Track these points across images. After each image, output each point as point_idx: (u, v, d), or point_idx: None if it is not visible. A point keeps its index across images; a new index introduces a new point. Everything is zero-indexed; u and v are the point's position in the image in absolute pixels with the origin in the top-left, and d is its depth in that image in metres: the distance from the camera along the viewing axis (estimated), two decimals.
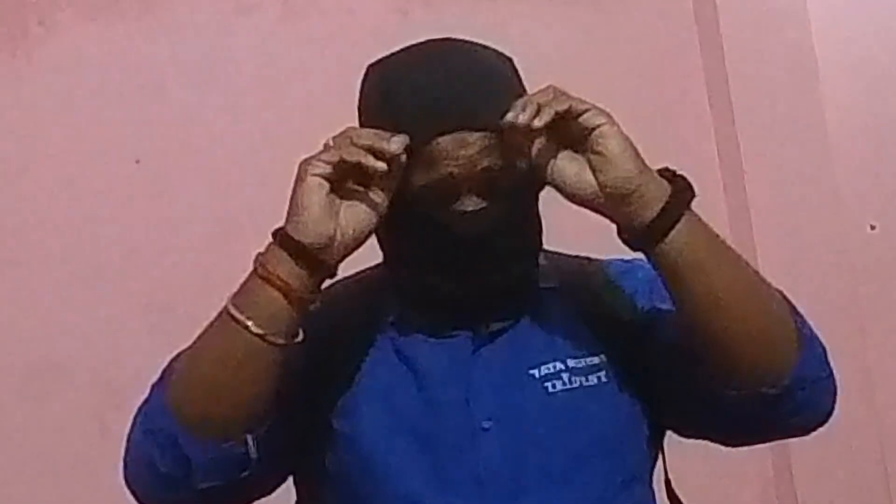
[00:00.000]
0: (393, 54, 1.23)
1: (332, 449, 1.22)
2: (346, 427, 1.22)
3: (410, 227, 1.18)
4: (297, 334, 1.14)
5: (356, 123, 1.22)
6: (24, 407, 2.27)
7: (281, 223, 1.15)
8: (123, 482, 1.20)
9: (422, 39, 1.23)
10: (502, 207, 1.17)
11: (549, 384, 1.21)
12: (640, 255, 1.20)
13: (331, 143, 1.14)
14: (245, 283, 1.14)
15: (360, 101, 1.23)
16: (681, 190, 1.14)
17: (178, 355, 1.19)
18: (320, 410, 1.22)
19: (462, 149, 1.15)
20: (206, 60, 2.40)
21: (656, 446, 1.30)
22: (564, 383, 1.22)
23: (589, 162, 1.13)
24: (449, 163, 1.15)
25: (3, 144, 2.33)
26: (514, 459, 1.19)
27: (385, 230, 1.20)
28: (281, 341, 1.12)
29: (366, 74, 1.24)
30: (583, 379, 1.22)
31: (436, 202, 1.17)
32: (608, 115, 1.13)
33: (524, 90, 1.20)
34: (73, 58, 2.36)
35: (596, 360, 1.23)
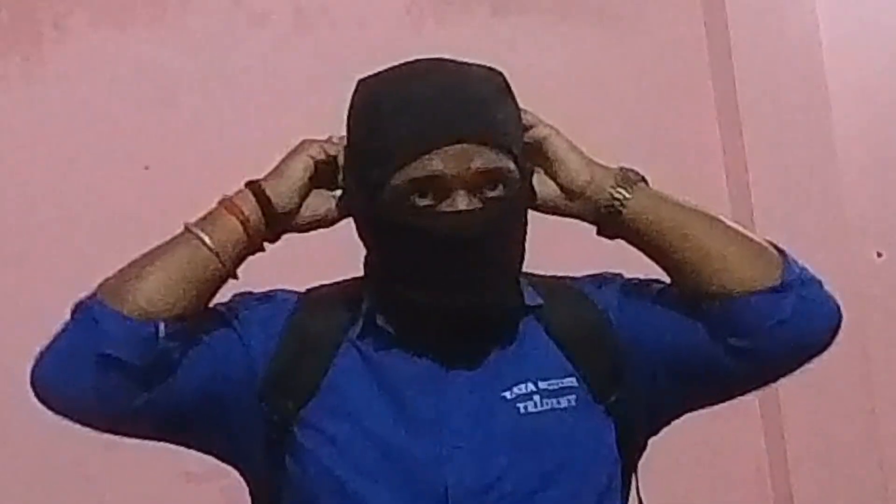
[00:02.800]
0: (383, 72, 1.23)
1: (295, 458, 1.20)
2: (311, 439, 1.20)
3: (398, 228, 1.17)
4: (235, 272, 1.21)
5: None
6: (26, 410, 2.26)
7: None
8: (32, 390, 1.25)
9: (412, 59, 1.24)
10: (495, 211, 1.16)
11: (520, 405, 1.20)
12: (605, 269, 1.31)
13: (335, 139, 1.24)
14: (208, 213, 1.22)
15: (349, 116, 1.24)
16: (628, 172, 1.24)
17: None
18: (280, 416, 1.20)
19: (455, 153, 1.15)
20: (218, 69, 2.40)
21: (628, 470, 1.28)
22: (536, 405, 1.20)
23: (546, 170, 1.24)
24: (442, 161, 1.15)
25: (13, 146, 2.33)
26: (482, 480, 1.18)
27: (372, 235, 1.21)
28: (224, 261, 1.18)
29: (356, 90, 1.24)
30: (554, 401, 1.21)
31: (427, 205, 1.15)
32: (552, 128, 1.25)
33: (516, 103, 1.22)
34: (86, 62, 2.36)
35: (567, 382, 1.22)
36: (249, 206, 1.20)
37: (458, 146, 1.15)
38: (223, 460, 1.27)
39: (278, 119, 2.39)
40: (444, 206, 1.15)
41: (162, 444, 1.27)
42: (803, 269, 1.24)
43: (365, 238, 1.23)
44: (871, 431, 2.54)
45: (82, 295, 1.20)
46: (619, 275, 1.32)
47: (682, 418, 1.31)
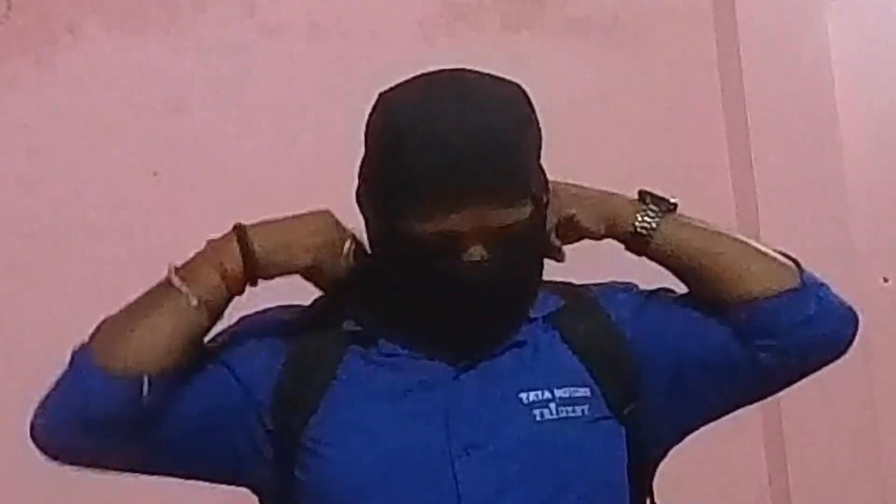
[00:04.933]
0: (404, 89, 1.21)
1: (305, 472, 1.21)
2: (319, 452, 1.20)
3: (414, 266, 1.18)
4: (220, 316, 1.21)
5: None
6: (28, 413, 2.26)
7: None
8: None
9: (434, 70, 1.22)
10: (506, 259, 1.18)
11: (536, 412, 1.20)
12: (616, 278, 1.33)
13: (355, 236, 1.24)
14: (192, 261, 1.21)
15: (367, 133, 1.22)
16: (649, 198, 1.27)
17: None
18: (287, 434, 1.21)
19: (474, 210, 1.16)
20: (229, 78, 2.41)
21: (639, 481, 1.28)
22: (552, 412, 1.21)
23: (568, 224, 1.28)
24: (462, 218, 1.16)
25: (24, 149, 2.34)
26: (494, 486, 1.17)
27: (388, 263, 1.21)
28: (209, 316, 1.18)
29: (376, 106, 1.22)
30: (569, 409, 1.21)
31: (442, 251, 1.17)
32: (556, 184, 1.26)
33: (537, 124, 1.22)
34: (98, 67, 2.37)
35: (582, 391, 1.23)
36: (233, 261, 1.19)
37: (478, 205, 1.15)
38: (237, 485, 1.28)
39: (289, 128, 2.40)
40: (462, 256, 1.17)
41: None
42: (814, 275, 1.30)
43: (378, 258, 1.24)
44: (874, 455, 2.53)
45: (81, 340, 1.20)
46: (633, 286, 1.33)
47: None
